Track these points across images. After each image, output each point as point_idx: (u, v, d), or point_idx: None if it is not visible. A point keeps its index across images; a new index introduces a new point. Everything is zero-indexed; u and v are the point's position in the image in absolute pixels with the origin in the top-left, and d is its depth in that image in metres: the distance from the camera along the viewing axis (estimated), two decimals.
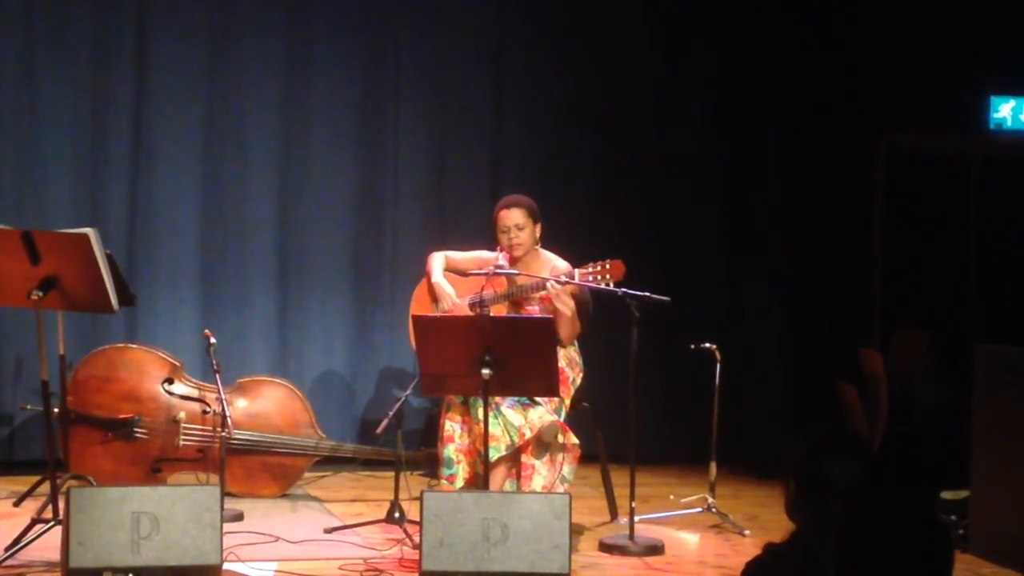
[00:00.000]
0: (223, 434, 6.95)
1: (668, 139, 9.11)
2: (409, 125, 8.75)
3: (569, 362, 6.88)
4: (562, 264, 6.93)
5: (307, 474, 7.87)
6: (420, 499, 5.95)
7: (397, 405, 6.93)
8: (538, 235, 6.97)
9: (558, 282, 6.75)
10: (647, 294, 6.68)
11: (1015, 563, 6.50)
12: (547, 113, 8.93)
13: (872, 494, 3.07)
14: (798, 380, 9.03)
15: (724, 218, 9.22)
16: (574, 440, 6.71)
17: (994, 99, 9.31)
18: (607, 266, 6.65)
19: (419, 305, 7.18)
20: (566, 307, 6.72)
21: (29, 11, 8.11)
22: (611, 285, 6.65)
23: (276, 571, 6.16)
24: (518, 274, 6.88)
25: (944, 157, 9.41)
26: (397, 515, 6.78)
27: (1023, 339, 7.22)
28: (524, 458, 6.66)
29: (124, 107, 8.26)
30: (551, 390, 6.41)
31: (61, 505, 5.89)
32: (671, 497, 7.66)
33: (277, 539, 6.64)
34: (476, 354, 6.10)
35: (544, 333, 6.24)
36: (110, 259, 6.28)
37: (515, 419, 6.60)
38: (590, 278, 6.67)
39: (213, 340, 7.01)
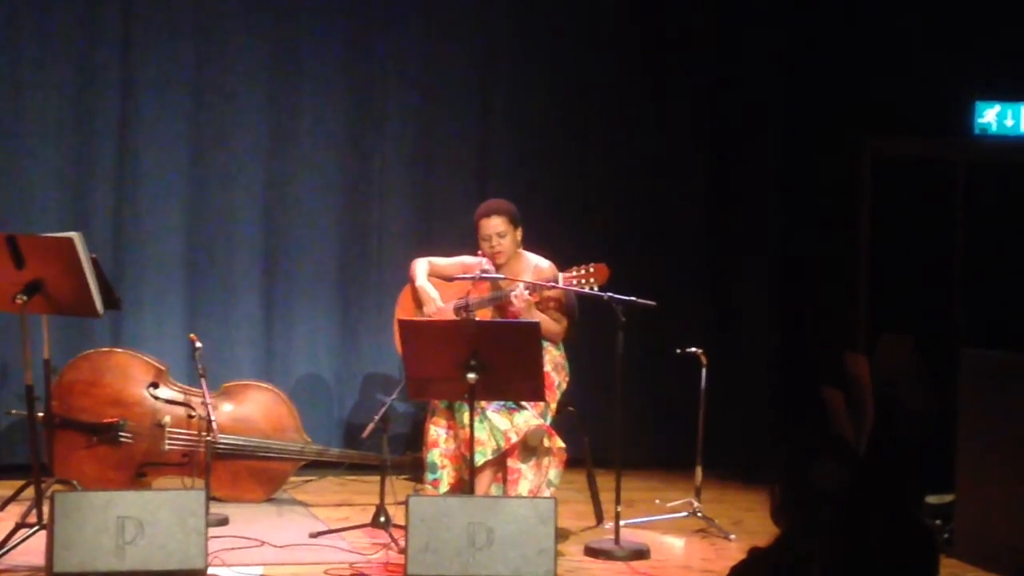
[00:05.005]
0: (208, 438, 6.94)
1: (654, 142, 9.12)
2: (395, 129, 8.75)
3: (555, 366, 6.88)
4: (544, 263, 6.94)
5: (293, 478, 7.87)
6: (406, 503, 5.95)
7: (383, 410, 6.93)
8: (519, 238, 6.98)
9: (544, 287, 6.77)
10: (633, 298, 6.69)
11: (1000, 567, 6.51)
12: (534, 116, 8.93)
13: (857, 498, 3.07)
14: (784, 385, 9.04)
15: (711, 222, 9.23)
16: (560, 444, 6.72)
17: (979, 104, 9.33)
18: (591, 269, 6.66)
19: (404, 310, 7.17)
20: (533, 318, 6.72)
21: (14, 14, 8.09)
22: (595, 289, 6.66)
23: (261, 575, 6.15)
24: (504, 279, 6.88)
25: (929, 162, 9.43)
26: (383, 519, 6.77)
27: (1008, 343, 7.24)
28: (510, 462, 6.66)
29: (109, 111, 8.25)
30: (537, 394, 6.41)
31: (46, 510, 5.89)
32: (656, 501, 7.65)
33: (262, 543, 6.63)
34: (462, 358, 6.10)
35: (529, 337, 6.24)
36: (95, 263, 6.26)
37: (501, 423, 6.60)
38: (574, 282, 6.67)
39: (199, 344, 7.00)
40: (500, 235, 6.90)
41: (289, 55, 8.55)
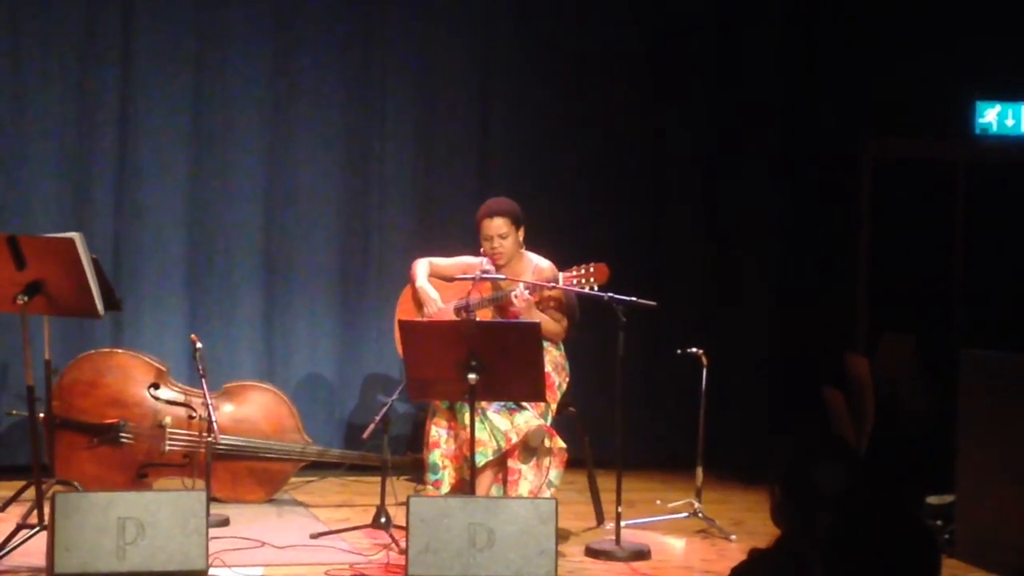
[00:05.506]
0: (209, 439, 6.94)
1: (654, 141, 9.12)
2: (395, 129, 8.75)
3: (555, 367, 6.88)
4: (545, 264, 6.94)
5: (293, 479, 7.86)
6: (406, 504, 5.95)
7: (383, 410, 6.93)
8: (521, 239, 6.98)
9: (545, 287, 6.77)
10: (634, 299, 6.69)
11: (1001, 568, 6.51)
12: (534, 117, 8.93)
13: (858, 499, 3.07)
14: (784, 385, 9.04)
15: (711, 222, 9.23)
16: (561, 444, 6.72)
17: (980, 104, 9.33)
18: (591, 269, 6.66)
19: (404, 311, 7.17)
20: (533, 318, 6.71)
21: (15, 15, 8.09)
22: (595, 288, 6.66)
23: None
24: (505, 279, 6.88)
25: (930, 162, 9.43)
26: (383, 520, 6.77)
27: (1008, 343, 7.24)
28: (510, 463, 6.66)
29: (110, 111, 8.25)
30: (537, 394, 6.41)
31: (47, 510, 5.88)
32: (657, 502, 7.65)
33: (263, 544, 6.63)
34: (462, 359, 6.10)
35: (530, 337, 6.24)
36: (96, 264, 6.26)
37: (501, 424, 6.60)
38: (574, 282, 6.68)
39: (199, 345, 7.00)
40: (502, 236, 6.90)
41: (289, 55, 8.55)
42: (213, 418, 6.87)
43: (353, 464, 8.02)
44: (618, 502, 6.71)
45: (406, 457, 8.06)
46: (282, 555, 6.49)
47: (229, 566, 6.14)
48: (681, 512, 7.37)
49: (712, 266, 9.23)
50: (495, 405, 6.62)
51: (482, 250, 6.96)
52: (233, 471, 7.59)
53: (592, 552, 6.68)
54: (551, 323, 6.86)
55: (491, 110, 8.92)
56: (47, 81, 8.14)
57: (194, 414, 7.48)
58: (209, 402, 6.92)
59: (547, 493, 6.62)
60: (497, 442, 6.59)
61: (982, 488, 6.72)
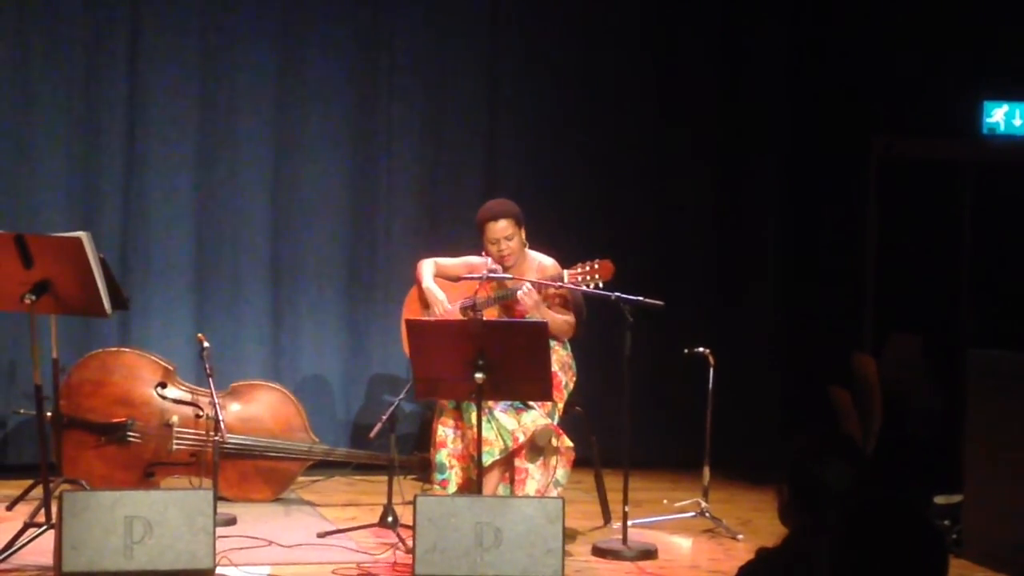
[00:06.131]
0: (216, 438, 6.94)
1: (662, 142, 9.12)
2: (402, 130, 8.75)
3: (562, 366, 6.88)
4: (548, 261, 6.94)
5: (300, 478, 7.87)
6: (413, 503, 5.95)
7: (390, 410, 6.93)
8: (524, 236, 6.97)
9: (551, 286, 6.77)
10: (641, 298, 6.69)
11: (1009, 568, 6.50)
12: (540, 117, 8.93)
13: (865, 499, 3.07)
14: (791, 385, 9.03)
15: (718, 222, 9.23)
16: (568, 444, 6.71)
17: (987, 104, 9.31)
18: (595, 266, 6.66)
19: (411, 311, 7.16)
20: (540, 317, 6.71)
21: (22, 15, 8.10)
22: (600, 286, 6.66)
23: (269, 575, 6.15)
24: (511, 278, 6.88)
25: (937, 162, 9.41)
26: (390, 519, 6.77)
27: (1016, 344, 7.23)
28: (517, 462, 6.66)
29: (117, 111, 8.25)
30: (544, 394, 6.41)
31: (54, 509, 5.89)
32: (664, 501, 7.65)
33: (270, 543, 6.63)
34: (469, 358, 6.10)
35: (537, 337, 6.24)
36: (103, 263, 6.27)
37: (508, 423, 6.60)
38: (579, 279, 6.68)
39: (206, 344, 7.00)
40: (508, 238, 6.89)
41: (296, 57, 8.55)
42: (220, 417, 6.88)
43: (360, 463, 8.02)
44: (625, 501, 6.71)
45: (413, 456, 8.06)
46: (289, 554, 6.50)
47: (236, 565, 6.15)
48: (688, 511, 7.37)
49: (718, 265, 9.23)
50: (502, 404, 6.63)
51: (484, 253, 6.94)
52: (240, 470, 7.60)
53: (599, 551, 6.69)
54: (558, 320, 6.86)
55: (497, 111, 8.92)
56: (54, 82, 8.14)
57: (201, 413, 7.49)
58: (216, 401, 6.93)
59: (554, 492, 6.62)
60: (504, 441, 6.59)
61: (990, 488, 6.72)
